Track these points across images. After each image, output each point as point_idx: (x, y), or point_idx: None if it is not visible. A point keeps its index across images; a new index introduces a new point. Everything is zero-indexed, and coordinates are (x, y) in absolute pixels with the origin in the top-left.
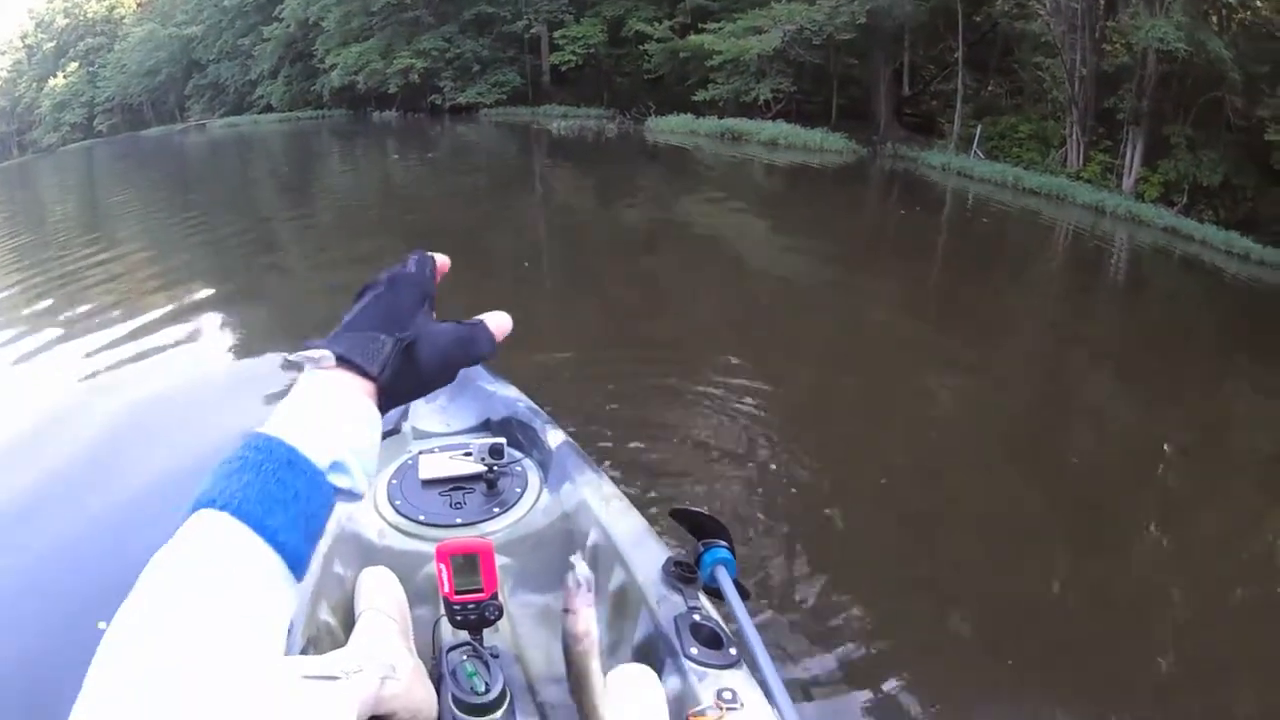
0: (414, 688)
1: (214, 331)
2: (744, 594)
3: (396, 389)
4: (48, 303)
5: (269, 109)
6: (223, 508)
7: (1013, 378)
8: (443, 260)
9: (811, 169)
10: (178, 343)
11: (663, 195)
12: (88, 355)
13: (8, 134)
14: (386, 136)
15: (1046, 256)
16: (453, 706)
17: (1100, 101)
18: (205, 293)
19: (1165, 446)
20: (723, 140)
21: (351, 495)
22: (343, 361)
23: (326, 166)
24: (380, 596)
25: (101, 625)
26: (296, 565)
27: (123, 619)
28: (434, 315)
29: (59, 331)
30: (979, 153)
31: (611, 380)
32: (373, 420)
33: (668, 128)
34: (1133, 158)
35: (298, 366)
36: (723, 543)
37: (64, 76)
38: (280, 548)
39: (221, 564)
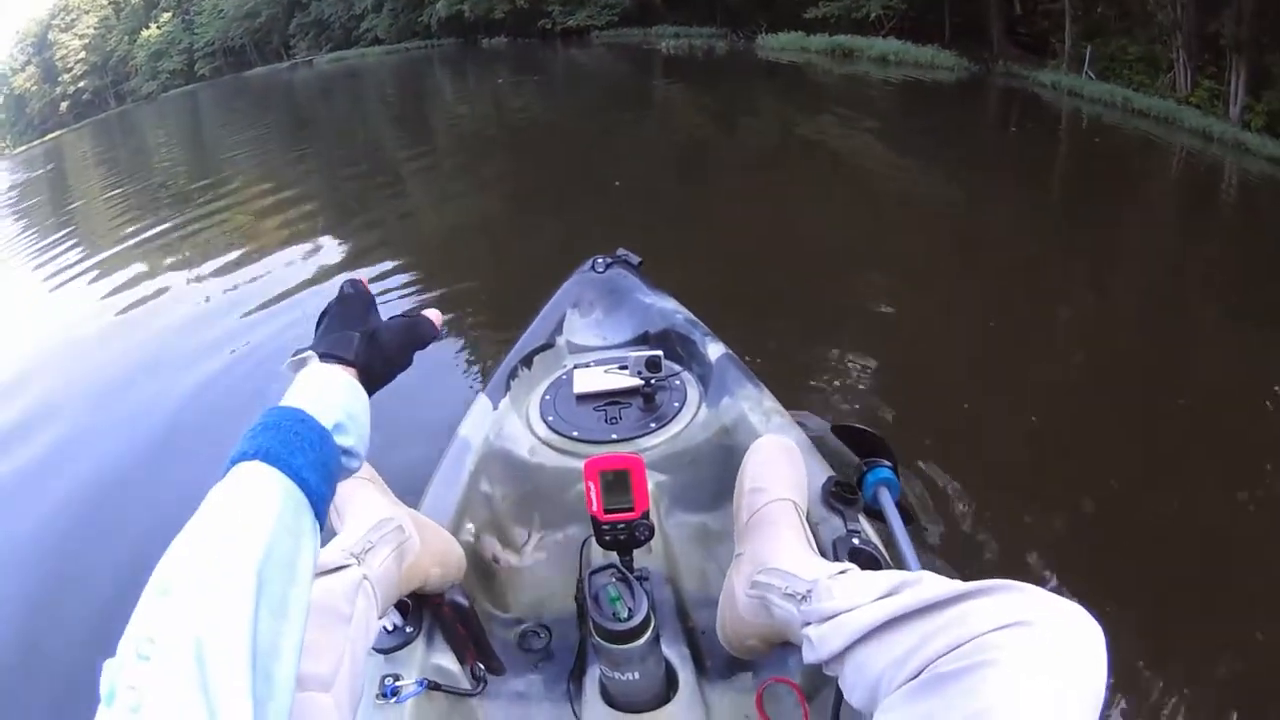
0: (429, 539)
1: (341, 269)
2: (907, 518)
3: (371, 369)
4: (163, 252)
5: (376, 41)
6: (253, 457)
7: (1132, 301)
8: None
9: (924, 86)
10: (303, 286)
11: (777, 113)
12: (207, 304)
13: (103, 87)
14: (497, 63)
15: (1159, 179)
16: (594, 633)
17: (1203, 26)
18: (327, 231)
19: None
20: (834, 57)
21: (354, 455)
22: (325, 356)
23: (439, 96)
24: None
25: None
26: (318, 502)
27: (175, 548)
28: (380, 317)
29: (179, 280)
30: (1090, 73)
31: (739, 299)
32: (359, 392)
33: (778, 45)
34: (1237, 86)
35: (294, 368)
36: (886, 462)
37: (157, 27)
38: (303, 483)
39: (256, 495)
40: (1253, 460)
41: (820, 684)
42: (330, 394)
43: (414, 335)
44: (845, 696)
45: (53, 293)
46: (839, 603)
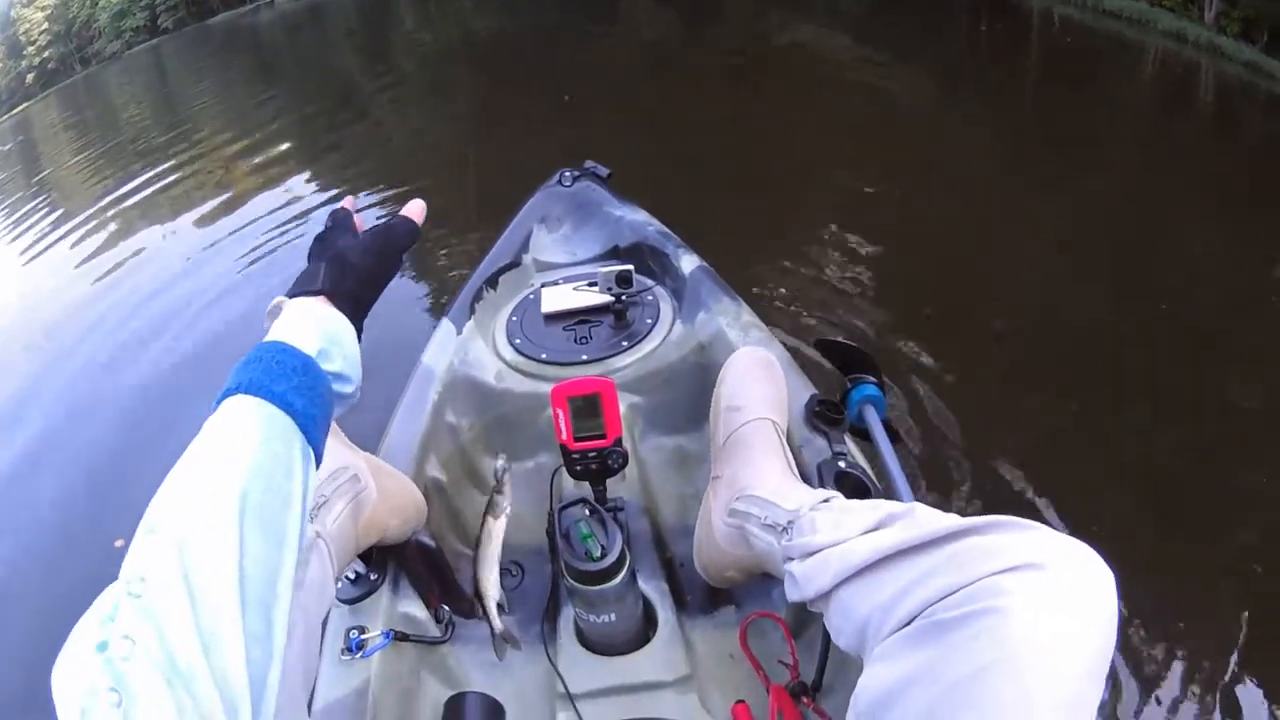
0: (387, 487)
1: (312, 202)
2: (893, 436)
3: (343, 291)
4: (138, 209)
5: None
6: (236, 391)
7: (1107, 201)
8: (349, 205)
9: None
10: (279, 223)
11: (742, 17)
12: (186, 252)
13: (68, 54)
14: None
15: (1132, 80)
16: (566, 574)
17: None
18: (298, 167)
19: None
20: None
21: (345, 379)
22: (295, 295)
23: (400, 25)
24: None
25: (119, 543)
26: (308, 425)
27: (162, 488)
28: (355, 234)
29: (157, 235)
30: None
31: (710, 209)
32: (336, 318)
33: None
34: None
35: (272, 316)
36: (871, 378)
37: None
38: (288, 407)
39: (238, 424)
40: (1236, 361)
41: (807, 618)
42: (304, 325)
43: (388, 241)
44: (832, 638)
45: (31, 262)
46: (823, 537)
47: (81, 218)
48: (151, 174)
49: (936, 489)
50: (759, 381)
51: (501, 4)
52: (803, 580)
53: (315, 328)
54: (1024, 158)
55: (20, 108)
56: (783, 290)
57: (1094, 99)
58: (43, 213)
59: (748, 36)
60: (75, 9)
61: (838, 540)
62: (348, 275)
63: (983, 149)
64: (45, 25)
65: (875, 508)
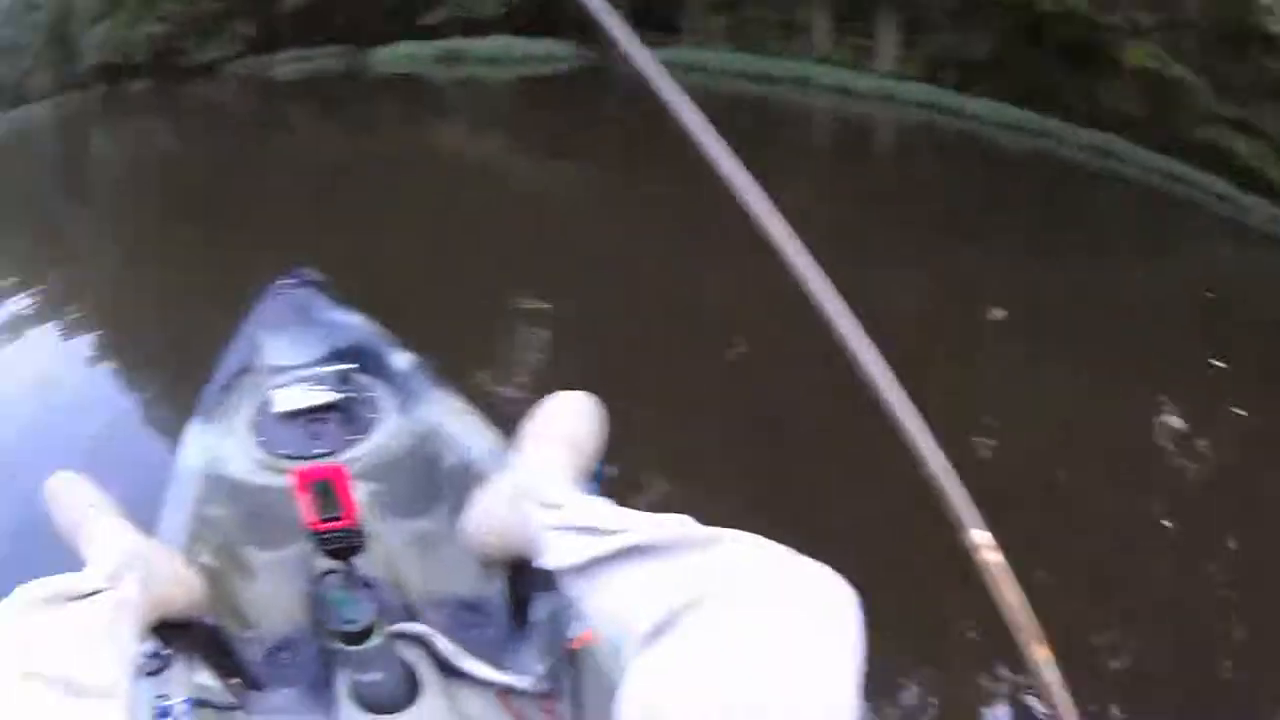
0: (171, 566)
1: None
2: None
3: None
4: None
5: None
6: None
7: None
8: None
9: (541, 81)
10: None
11: (385, 129)
12: None
13: None
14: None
15: (791, 144)
16: (330, 639)
17: None
18: None
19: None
20: (445, 64)
21: None
22: None
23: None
24: (82, 496)
25: None
26: None
27: None
28: None
29: None
30: (722, 46)
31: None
32: None
33: (391, 58)
34: (889, 36)
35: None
36: None
37: None
38: None
39: None
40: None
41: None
42: None
43: None
44: (578, 614)
45: None
46: (586, 519)
47: None
48: None
49: None
50: (569, 416)
51: (173, 128)
52: (557, 552)
53: None
54: (689, 234)
55: None
56: (485, 381)
57: (759, 166)
58: None
59: (403, 142)
60: None
61: (599, 525)
62: None
63: (644, 228)
64: None
65: (638, 514)
